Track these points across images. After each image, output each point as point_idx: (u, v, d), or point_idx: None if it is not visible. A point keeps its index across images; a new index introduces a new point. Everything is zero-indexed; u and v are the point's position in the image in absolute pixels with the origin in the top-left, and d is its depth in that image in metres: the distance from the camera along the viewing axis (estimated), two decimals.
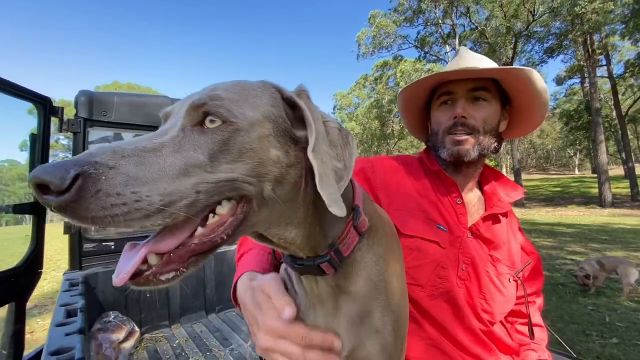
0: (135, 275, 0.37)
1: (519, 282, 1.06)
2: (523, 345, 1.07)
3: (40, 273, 1.83)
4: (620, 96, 18.75)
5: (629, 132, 20.21)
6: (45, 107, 1.79)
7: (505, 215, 1.06)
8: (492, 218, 1.03)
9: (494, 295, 0.99)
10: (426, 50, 24.28)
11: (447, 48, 23.26)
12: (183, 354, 1.71)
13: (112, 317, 1.74)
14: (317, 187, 0.44)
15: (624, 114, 18.10)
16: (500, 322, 1.03)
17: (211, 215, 0.42)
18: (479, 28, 20.07)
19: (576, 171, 44.44)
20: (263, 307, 0.60)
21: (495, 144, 0.99)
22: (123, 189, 0.33)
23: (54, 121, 1.84)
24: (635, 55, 17.03)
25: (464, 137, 0.94)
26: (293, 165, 0.48)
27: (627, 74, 18.00)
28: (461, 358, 0.92)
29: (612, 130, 21.52)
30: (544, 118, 1.01)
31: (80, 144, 1.87)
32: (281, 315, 0.57)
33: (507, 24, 18.19)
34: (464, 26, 21.91)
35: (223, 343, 1.81)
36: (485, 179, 1.08)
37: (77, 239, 1.82)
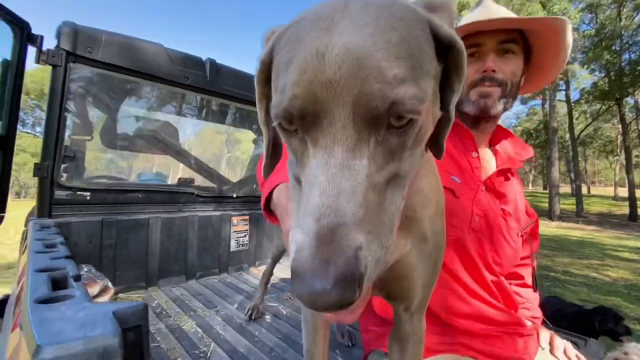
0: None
1: (525, 237, 1.09)
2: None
3: (2, 218, 1.62)
4: (574, 120, 20.46)
5: (578, 154, 22.13)
6: (22, 32, 1.59)
7: (512, 174, 1.09)
8: (504, 174, 1.05)
9: (504, 248, 1.01)
10: None
11: None
12: (164, 312, 1.59)
13: (85, 270, 1.57)
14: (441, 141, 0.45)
15: (576, 136, 19.78)
16: None
17: None
18: None
19: (530, 186, 47.93)
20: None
21: (515, 98, 1.01)
22: (379, 251, 0.31)
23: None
24: (591, 84, 18.67)
25: (492, 89, 0.92)
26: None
27: (582, 100, 19.70)
28: (470, 300, 0.93)
29: (565, 151, 23.43)
30: (559, 73, 1.03)
31: (59, 79, 1.67)
32: None
33: None
34: None
35: (207, 305, 1.71)
36: (495, 136, 1.10)
37: (48, 184, 1.63)
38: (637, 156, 23.00)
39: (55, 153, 1.65)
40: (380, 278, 0.59)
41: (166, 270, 1.98)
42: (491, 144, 1.10)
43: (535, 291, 1.11)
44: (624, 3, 15.68)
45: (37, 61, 1.66)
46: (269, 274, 1.65)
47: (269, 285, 1.74)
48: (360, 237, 0.29)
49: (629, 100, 18.56)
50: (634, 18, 16.31)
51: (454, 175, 0.96)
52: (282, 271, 2.23)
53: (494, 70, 0.91)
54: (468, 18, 0.99)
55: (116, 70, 1.86)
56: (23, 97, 1.72)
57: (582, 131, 22.12)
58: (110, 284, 1.67)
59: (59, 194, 1.68)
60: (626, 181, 17.65)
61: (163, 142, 2.17)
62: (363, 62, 0.30)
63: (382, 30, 0.31)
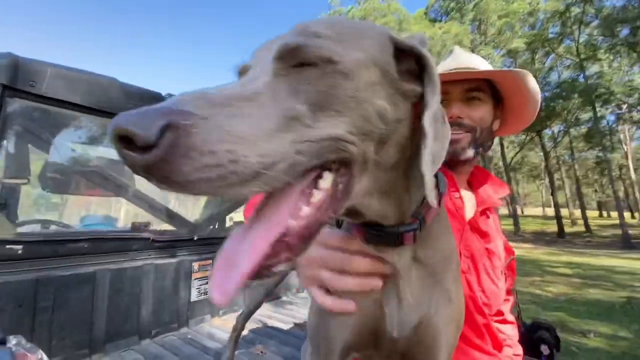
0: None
1: (506, 273, 1.12)
2: None
3: None
4: (505, 149, 22.96)
5: (511, 179, 24.66)
6: None
7: (491, 211, 1.13)
8: (485, 213, 1.08)
9: (491, 288, 1.02)
10: None
11: None
12: None
13: (14, 343, 1.29)
14: (422, 161, 0.40)
15: (508, 163, 22.15)
16: None
17: (315, 191, 0.35)
18: None
19: None
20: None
21: (490, 142, 1.06)
22: (217, 146, 0.26)
23: None
24: None
25: (460, 135, 0.96)
26: (401, 121, 0.42)
27: None
28: (467, 349, 0.92)
29: (500, 176, 26.01)
30: (534, 117, 1.10)
31: None
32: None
33: None
34: None
35: None
36: (473, 176, 1.14)
37: None
38: (558, 179, 26.22)
39: None
40: (403, 343, 0.57)
41: (115, 331, 1.71)
42: (470, 184, 1.14)
43: (519, 325, 1.13)
44: (536, 50, 18.52)
45: None
46: (240, 329, 1.49)
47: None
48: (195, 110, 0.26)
49: (547, 131, 21.38)
50: (544, 62, 19.28)
51: None
52: (251, 321, 2.05)
53: (460, 117, 0.95)
54: (440, 67, 1.05)
55: (62, 106, 1.67)
56: None
57: (512, 159, 24.80)
58: (45, 358, 1.39)
59: None
60: (551, 202, 19.89)
61: (113, 183, 1.96)
62: (307, 28, 0.37)
63: (336, 24, 0.40)
